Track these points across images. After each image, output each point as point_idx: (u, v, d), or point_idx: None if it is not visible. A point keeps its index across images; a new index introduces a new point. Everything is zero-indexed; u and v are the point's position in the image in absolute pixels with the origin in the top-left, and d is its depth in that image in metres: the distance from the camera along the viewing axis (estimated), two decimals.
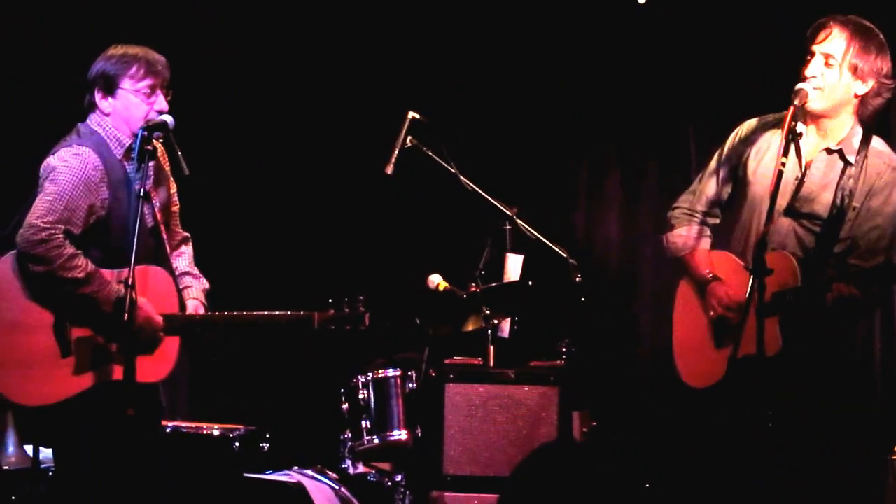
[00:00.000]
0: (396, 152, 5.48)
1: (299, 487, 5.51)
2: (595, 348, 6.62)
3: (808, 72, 4.75)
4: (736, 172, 4.97)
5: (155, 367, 4.73)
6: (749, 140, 4.96)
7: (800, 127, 4.79)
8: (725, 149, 5.01)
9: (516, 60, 7.22)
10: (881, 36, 4.78)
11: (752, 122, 5.00)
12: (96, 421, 4.61)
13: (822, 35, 4.76)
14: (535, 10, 7.13)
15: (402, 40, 7.23)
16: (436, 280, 5.73)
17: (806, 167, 4.78)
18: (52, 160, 4.69)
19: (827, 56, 4.73)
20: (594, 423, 5.85)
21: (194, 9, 7.02)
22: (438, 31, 7.22)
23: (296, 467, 5.76)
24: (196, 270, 5.11)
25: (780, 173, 4.53)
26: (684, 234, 5.07)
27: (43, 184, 4.67)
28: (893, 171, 4.77)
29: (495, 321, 5.78)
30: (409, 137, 5.51)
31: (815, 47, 4.77)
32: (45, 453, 5.04)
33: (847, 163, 4.73)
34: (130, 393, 4.50)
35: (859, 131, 4.77)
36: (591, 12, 7.09)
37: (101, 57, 4.82)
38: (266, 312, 4.96)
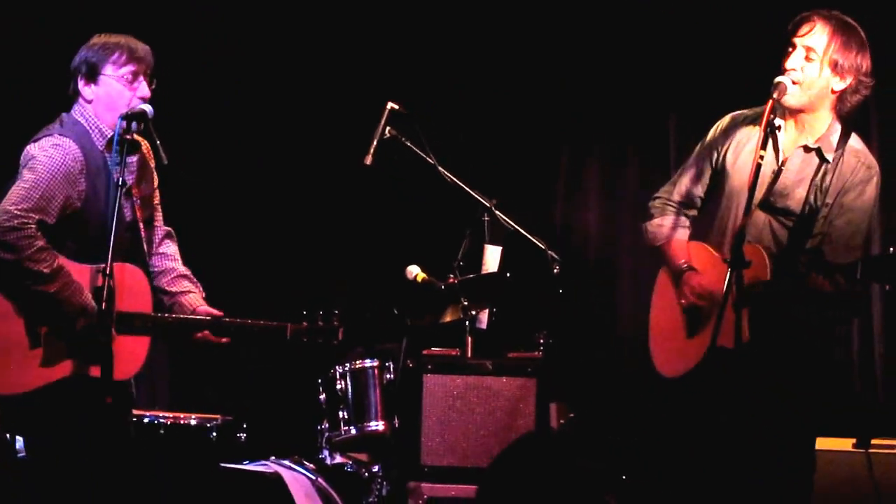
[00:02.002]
0: (375, 143, 5.47)
1: (276, 477, 5.50)
2: (573, 339, 6.66)
3: (788, 64, 4.75)
4: (715, 166, 4.99)
5: (121, 366, 4.65)
6: (728, 134, 4.97)
7: (778, 121, 4.81)
8: (706, 142, 5.03)
9: (496, 54, 7.22)
10: (862, 34, 4.77)
11: (732, 116, 5.02)
12: (67, 411, 4.59)
13: (804, 28, 4.76)
14: (515, 3, 7.14)
15: (382, 34, 7.24)
16: (414, 271, 5.74)
17: (783, 163, 4.80)
18: (32, 148, 4.67)
19: (808, 49, 4.73)
20: (571, 415, 5.89)
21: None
22: (419, 26, 7.22)
23: (273, 457, 5.74)
24: (191, 274, 5.08)
25: (759, 166, 4.54)
26: (662, 223, 5.09)
27: (21, 171, 4.64)
28: (868, 169, 4.77)
29: (473, 312, 5.81)
30: (388, 128, 5.51)
31: (796, 40, 4.76)
32: (21, 442, 5.02)
33: (824, 160, 4.74)
34: (106, 382, 4.47)
35: (838, 128, 4.77)
36: (571, 5, 7.10)
37: (84, 46, 4.81)
38: (239, 320, 4.92)
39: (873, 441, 5.73)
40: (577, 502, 5.07)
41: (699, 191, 5.04)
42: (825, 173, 4.73)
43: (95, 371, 4.53)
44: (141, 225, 4.85)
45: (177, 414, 5.69)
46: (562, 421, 5.81)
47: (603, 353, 6.94)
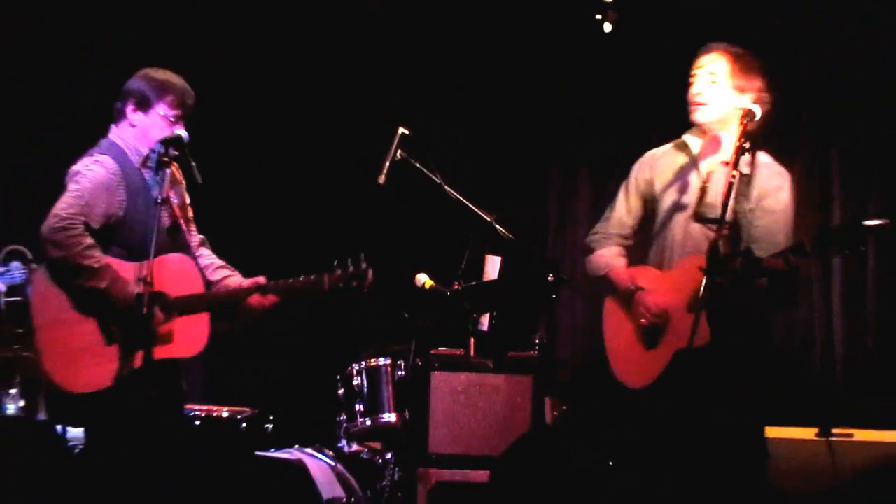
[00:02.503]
0: (387, 164, 5.63)
1: (300, 464, 5.69)
2: (567, 341, 6.93)
3: (694, 90, 5.13)
4: (644, 196, 5.31)
5: (188, 344, 4.94)
6: (652, 167, 5.31)
7: (693, 142, 5.18)
8: (631, 179, 5.36)
9: (495, 77, 7.43)
10: (756, 58, 5.17)
11: (652, 152, 5.37)
12: (129, 403, 4.81)
13: (705, 59, 5.15)
14: (509, 30, 7.34)
15: (390, 58, 7.45)
16: (422, 279, 5.94)
17: (707, 178, 5.15)
18: (76, 166, 4.98)
19: (711, 74, 5.12)
20: (564, 408, 6.10)
21: (195, 15, 7.23)
22: (423, 34, 7.46)
23: (297, 446, 5.93)
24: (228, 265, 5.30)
25: (731, 185, 4.86)
26: (604, 254, 5.36)
27: (67, 185, 4.94)
28: (780, 176, 5.16)
29: (476, 316, 6.11)
30: (399, 151, 5.66)
31: (698, 70, 5.16)
32: (73, 433, 5.29)
33: (741, 173, 5.04)
34: (150, 378, 4.79)
35: (748, 145, 5.05)
36: (561, 31, 7.32)
37: (144, 75, 5.06)
38: (281, 281, 5.07)
39: (834, 430, 5.87)
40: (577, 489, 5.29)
41: (632, 222, 5.37)
42: (744, 184, 5.05)
43: (157, 354, 4.78)
44: (182, 222, 5.16)
45: (210, 407, 5.86)
46: (555, 413, 6.00)
47: (595, 353, 7.14)
